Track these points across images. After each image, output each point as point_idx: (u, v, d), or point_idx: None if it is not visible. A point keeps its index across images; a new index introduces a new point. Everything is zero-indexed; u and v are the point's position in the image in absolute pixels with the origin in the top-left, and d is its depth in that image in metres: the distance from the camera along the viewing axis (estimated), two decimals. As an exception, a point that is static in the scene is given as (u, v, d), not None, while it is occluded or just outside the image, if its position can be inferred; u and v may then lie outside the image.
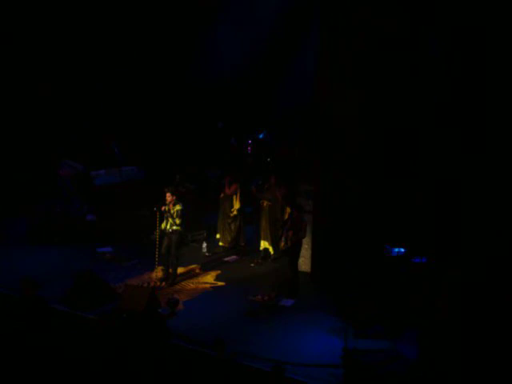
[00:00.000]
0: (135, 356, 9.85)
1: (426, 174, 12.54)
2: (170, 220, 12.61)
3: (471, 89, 12.08)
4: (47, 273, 12.62)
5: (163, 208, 12.55)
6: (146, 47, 18.24)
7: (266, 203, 13.78)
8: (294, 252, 12.40)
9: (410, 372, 9.91)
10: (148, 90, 18.37)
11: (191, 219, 14.50)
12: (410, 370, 9.95)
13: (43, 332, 9.46)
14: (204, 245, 14.36)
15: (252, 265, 13.76)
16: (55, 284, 12.08)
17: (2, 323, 9.58)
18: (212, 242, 14.47)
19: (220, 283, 12.93)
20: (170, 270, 12.83)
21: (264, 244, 13.91)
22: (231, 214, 14.08)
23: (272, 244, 13.78)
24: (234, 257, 14.16)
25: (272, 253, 13.87)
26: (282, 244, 12.51)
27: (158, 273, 12.80)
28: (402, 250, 12.01)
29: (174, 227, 12.63)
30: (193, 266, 13.63)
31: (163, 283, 12.71)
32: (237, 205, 14.04)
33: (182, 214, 12.62)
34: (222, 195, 14.23)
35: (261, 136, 18.29)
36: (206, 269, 13.55)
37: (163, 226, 12.67)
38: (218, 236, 14.41)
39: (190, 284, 12.85)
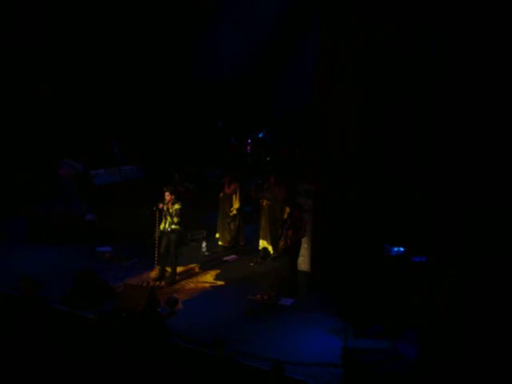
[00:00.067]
0: (135, 355, 9.83)
1: (425, 174, 12.53)
2: (169, 219, 12.61)
3: (471, 89, 12.08)
4: (47, 272, 12.60)
5: (161, 206, 12.53)
6: (146, 47, 18.22)
7: (265, 202, 13.78)
8: (293, 251, 12.40)
9: (410, 372, 9.91)
10: (148, 90, 18.35)
11: (191, 219, 14.50)
12: (410, 369, 9.94)
13: (43, 331, 9.43)
14: (203, 244, 14.35)
15: (251, 264, 13.75)
16: (55, 283, 12.06)
17: (1, 323, 9.55)
18: (211, 242, 14.46)
19: (219, 282, 12.93)
20: (169, 269, 12.83)
21: (263, 243, 13.90)
22: (231, 214, 14.08)
23: (271, 243, 13.77)
24: (233, 256, 14.15)
25: (271, 252, 13.86)
26: (282, 243, 12.52)
27: (154, 272, 12.79)
28: (402, 249, 12.01)
29: (173, 226, 12.62)
30: (192, 266, 13.63)
31: (163, 283, 12.70)
32: (236, 204, 14.04)
33: (180, 213, 12.61)
34: (221, 195, 14.23)
35: (260, 135, 18.30)
36: (205, 268, 13.54)
37: (162, 226, 12.66)
38: (217, 235, 14.41)
39: (190, 283, 12.84)
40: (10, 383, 9.15)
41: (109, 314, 11.06)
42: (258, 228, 14.03)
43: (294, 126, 18.13)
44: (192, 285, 12.79)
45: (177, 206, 12.61)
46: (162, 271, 12.77)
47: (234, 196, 14.03)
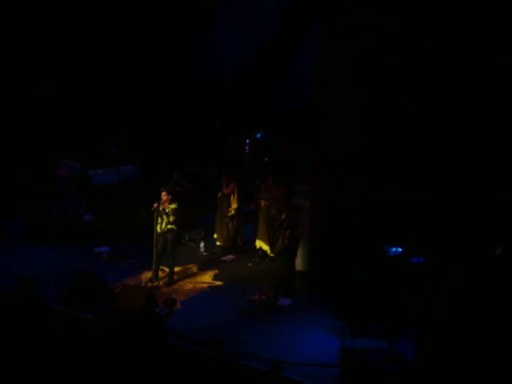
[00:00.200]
0: (133, 355, 9.81)
1: (425, 174, 12.52)
2: (165, 219, 12.58)
3: (471, 88, 12.09)
4: (46, 272, 12.58)
5: (155, 205, 12.50)
6: (146, 47, 18.21)
7: (263, 203, 13.75)
8: (291, 251, 12.39)
9: (409, 372, 9.88)
10: (147, 90, 18.34)
11: (189, 219, 14.54)
12: (409, 369, 9.92)
13: (42, 331, 9.42)
14: (202, 244, 14.32)
15: (250, 264, 13.71)
16: (54, 284, 12.05)
17: (1, 323, 9.54)
18: (210, 242, 14.41)
19: (218, 283, 12.89)
20: (166, 269, 12.83)
21: (259, 243, 13.86)
22: (229, 214, 14.03)
23: (269, 243, 13.73)
24: (231, 256, 14.10)
25: (269, 252, 13.83)
26: (280, 243, 12.50)
27: (149, 273, 12.81)
28: (400, 249, 11.99)
29: (169, 226, 12.59)
30: (190, 266, 13.60)
31: (160, 283, 12.68)
32: (234, 204, 14.00)
33: (177, 213, 12.59)
34: (219, 194, 14.20)
35: (258, 135, 18.28)
36: (203, 268, 13.49)
37: (158, 227, 12.62)
38: (215, 235, 14.38)
39: (188, 283, 12.81)
40: (9, 383, 9.12)
41: (107, 315, 11.03)
42: (256, 228, 13.99)
43: (293, 126, 18.11)
44: (190, 285, 12.76)
45: (173, 206, 12.58)
46: (156, 272, 12.73)
47: (232, 196, 13.99)
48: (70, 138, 17.17)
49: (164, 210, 12.57)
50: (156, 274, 12.72)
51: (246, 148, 17.99)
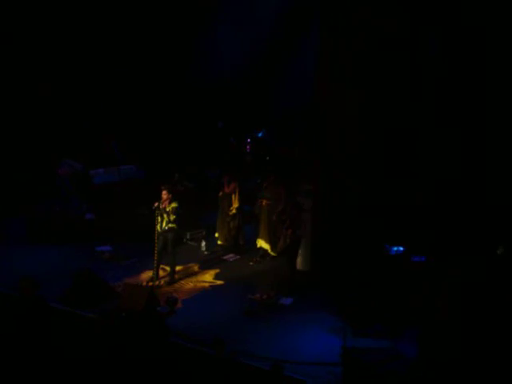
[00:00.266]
0: (134, 354, 9.81)
1: (425, 174, 12.53)
2: (166, 218, 12.59)
3: (471, 88, 12.10)
4: (46, 272, 12.57)
5: (156, 204, 12.53)
6: (146, 47, 18.21)
7: (264, 202, 13.76)
8: (292, 250, 12.40)
9: (410, 371, 9.89)
10: (148, 90, 18.34)
11: (190, 218, 14.55)
12: (410, 369, 9.93)
13: (43, 331, 9.41)
14: (203, 243, 14.34)
15: (251, 263, 13.74)
16: (54, 283, 12.03)
17: (1, 322, 9.54)
18: (211, 241, 14.43)
19: (219, 282, 12.91)
20: (168, 268, 12.84)
21: (260, 242, 13.88)
22: (230, 213, 14.05)
23: (270, 242, 13.75)
24: (232, 255, 14.13)
25: (270, 251, 13.84)
26: (281, 242, 12.51)
27: (150, 272, 12.82)
28: (401, 248, 12.01)
29: (170, 225, 12.60)
30: (191, 265, 13.61)
31: (162, 282, 12.69)
32: (236, 203, 14.02)
33: (177, 212, 12.60)
34: (220, 194, 14.22)
35: (260, 135, 18.29)
36: (204, 267, 13.52)
37: (158, 227, 12.63)
38: (216, 235, 14.40)
39: (189, 282, 12.83)
40: (10, 383, 9.12)
41: (108, 314, 11.04)
42: (257, 227, 14.00)
43: (294, 126, 18.12)
44: (191, 284, 12.78)
45: (174, 205, 12.59)
46: (157, 271, 12.74)
47: (233, 195, 14.00)
48: (71, 137, 17.15)
49: (164, 208, 12.58)
50: (157, 273, 12.73)
51: (248, 147, 18.01)
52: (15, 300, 9.88)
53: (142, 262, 13.37)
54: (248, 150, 18.02)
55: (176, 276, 12.88)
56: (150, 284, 12.54)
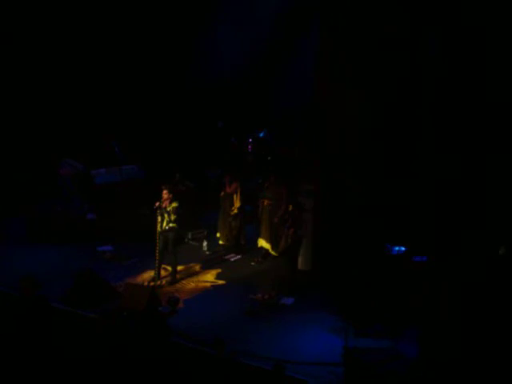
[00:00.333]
0: (135, 354, 9.83)
1: (425, 174, 12.54)
2: (166, 217, 12.60)
3: (471, 88, 12.11)
4: (47, 272, 12.58)
5: (157, 204, 12.55)
6: (146, 47, 18.20)
7: (266, 202, 13.77)
8: (294, 250, 12.41)
9: (410, 371, 9.92)
10: (148, 90, 18.33)
11: (192, 218, 14.56)
12: (410, 369, 9.95)
13: (44, 331, 9.42)
14: (204, 243, 14.36)
15: (252, 263, 13.75)
16: (55, 283, 12.05)
17: (2, 322, 9.55)
18: (212, 241, 14.44)
19: (220, 282, 12.93)
20: (169, 268, 12.85)
21: (261, 242, 13.89)
22: (232, 213, 14.06)
23: (270, 242, 13.76)
24: (234, 255, 14.15)
25: (271, 251, 13.87)
26: (283, 242, 12.53)
27: (152, 272, 12.84)
28: (403, 248, 12.03)
29: (171, 224, 12.62)
30: (193, 265, 13.64)
31: (163, 282, 12.71)
32: (237, 203, 14.03)
33: (177, 212, 12.62)
34: (222, 194, 14.22)
35: (261, 135, 18.29)
36: (206, 267, 13.53)
37: (159, 227, 12.63)
38: (218, 234, 14.41)
39: (191, 282, 12.84)
40: (10, 383, 9.14)
41: (110, 314, 11.05)
42: (259, 227, 14.02)
43: (294, 126, 18.11)
44: (193, 284, 12.80)
45: (174, 205, 12.60)
46: (158, 271, 12.76)
47: (234, 195, 14.01)
48: (72, 137, 17.14)
49: (165, 208, 12.60)
50: (158, 273, 12.75)
51: (249, 147, 18.00)
52: (15, 300, 9.90)
53: (144, 261, 13.39)
54: (250, 150, 18.01)
55: (177, 276, 12.89)
56: (152, 284, 12.55)
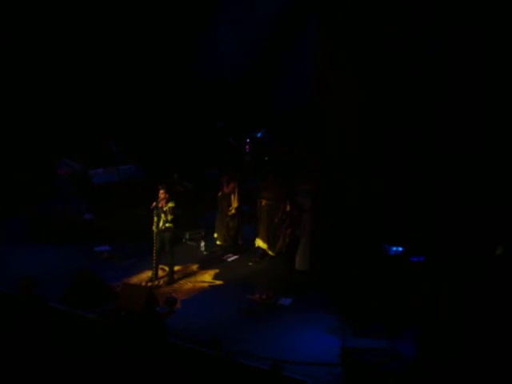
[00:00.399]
0: (133, 354, 9.80)
1: (425, 174, 12.52)
2: (163, 217, 12.56)
3: (471, 89, 12.09)
4: (46, 272, 12.57)
5: (154, 204, 12.51)
6: (146, 47, 18.20)
7: (264, 202, 13.75)
8: (291, 250, 12.40)
9: (409, 371, 9.87)
10: (148, 90, 18.32)
11: (189, 218, 14.53)
12: (409, 369, 9.91)
13: (41, 331, 9.41)
14: (202, 243, 14.33)
15: (250, 263, 13.71)
16: (54, 283, 12.03)
17: (1, 321, 9.54)
18: (210, 241, 14.40)
19: (218, 282, 12.90)
20: (167, 268, 12.82)
21: (258, 242, 13.86)
22: (229, 213, 14.02)
23: (267, 242, 13.73)
24: (231, 255, 14.11)
25: (268, 251, 13.83)
26: (280, 242, 12.51)
27: (150, 272, 12.80)
28: (400, 249, 12.00)
29: (167, 224, 12.57)
30: (190, 265, 13.58)
31: (161, 282, 12.68)
32: (235, 203, 14.00)
33: (174, 211, 12.57)
34: (220, 194, 14.19)
35: (259, 135, 18.27)
36: (203, 267, 13.49)
37: (154, 226, 12.59)
38: (215, 235, 14.37)
39: (188, 283, 12.81)
40: (9, 382, 9.11)
41: (107, 314, 11.02)
42: (257, 227, 13.98)
43: (294, 126, 18.09)
44: (190, 284, 12.77)
45: (170, 205, 12.55)
46: (156, 271, 12.72)
47: (232, 195, 13.98)
48: (70, 137, 17.13)
49: (162, 208, 12.56)
50: (156, 273, 12.71)
51: (247, 147, 17.98)
52: (13, 299, 9.89)
53: (142, 262, 13.33)
54: (247, 150, 17.99)
55: (175, 276, 12.86)
56: (149, 284, 12.52)
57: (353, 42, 12.37)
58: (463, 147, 12.22)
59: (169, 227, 12.59)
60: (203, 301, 12.10)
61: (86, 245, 14.07)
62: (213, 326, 11.05)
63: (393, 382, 9.73)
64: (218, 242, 14.35)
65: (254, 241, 13.98)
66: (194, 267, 13.50)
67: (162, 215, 12.54)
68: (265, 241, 13.74)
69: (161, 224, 12.57)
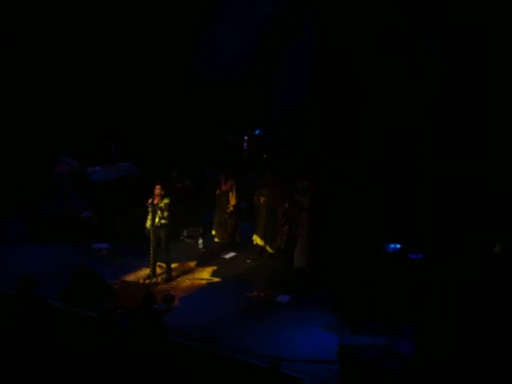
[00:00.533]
0: (131, 352, 9.77)
1: (425, 174, 12.50)
2: (159, 213, 12.52)
3: (471, 89, 12.08)
4: (46, 271, 12.59)
5: (150, 201, 12.48)
6: (146, 46, 18.21)
7: (262, 199, 13.73)
8: (289, 248, 12.37)
9: (407, 369, 9.84)
10: (147, 89, 18.34)
11: (187, 215, 14.52)
12: (407, 366, 9.88)
13: (40, 329, 9.40)
14: (200, 241, 14.33)
15: (248, 261, 13.71)
16: (53, 281, 12.05)
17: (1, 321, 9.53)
18: (208, 238, 14.41)
19: (216, 279, 12.90)
20: (164, 265, 12.81)
21: (256, 239, 13.84)
22: (227, 210, 14.03)
23: (267, 240, 13.70)
24: (230, 253, 14.10)
25: (267, 248, 13.80)
26: (278, 240, 12.49)
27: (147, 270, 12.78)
28: (398, 246, 11.97)
29: (163, 221, 12.54)
30: (188, 262, 13.59)
31: (159, 279, 12.66)
32: (233, 201, 14.01)
33: (169, 208, 12.55)
34: (217, 191, 14.20)
35: (257, 132, 18.26)
36: (201, 265, 13.50)
37: (149, 223, 12.55)
38: (213, 232, 14.36)
39: (186, 280, 12.82)
40: (8, 382, 9.09)
41: (105, 311, 11.00)
42: (255, 224, 13.97)
43: (294, 126, 18.09)
44: (188, 281, 12.77)
45: (166, 201, 12.54)
46: (153, 268, 12.69)
47: (230, 193, 13.99)
48: (70, 135, 17.13)
49: (157, 204, 12.52)
50: (154, 271, 12.68)
51: (245, 145, 17.99)
52: (12, 298, 9.87)
53: (139, 259, 13.32)
54: (245, 148, 17.99)
55: (173, 273, 12.86)
56: (147, 281, 12.50)
57: (352, 41, 12.35)
58: (463, 147, 12.19)
59: (164, 224, 12.54)
60: (201, 298, 12.10)
61: (84, 243, 14.10)
62: (211, 323, 11.06)
63: (391, 380, 9.68)
64: (216, 240, 14.35)
65: (251, 238, 13.98)
66: (192, 264, 13.51)
67: (158, 212, 12.50)
68: (263, 238, 13.73)
69: (156, 220, 12.53)
